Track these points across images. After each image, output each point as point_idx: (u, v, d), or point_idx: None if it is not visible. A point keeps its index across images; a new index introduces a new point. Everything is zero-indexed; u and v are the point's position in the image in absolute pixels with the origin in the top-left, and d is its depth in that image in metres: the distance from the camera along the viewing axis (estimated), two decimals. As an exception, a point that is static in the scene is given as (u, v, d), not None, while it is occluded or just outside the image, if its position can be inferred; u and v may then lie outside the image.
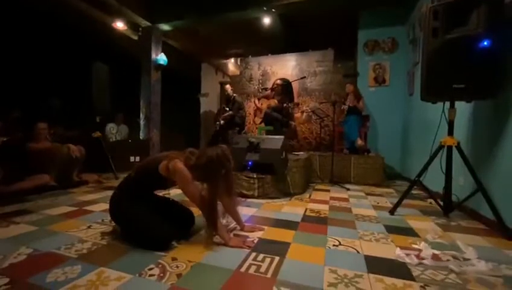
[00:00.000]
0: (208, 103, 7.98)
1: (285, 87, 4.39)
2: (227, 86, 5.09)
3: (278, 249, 1.45)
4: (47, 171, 2.82)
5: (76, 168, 3.29)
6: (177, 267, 1.23)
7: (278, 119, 4.12)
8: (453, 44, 1.82)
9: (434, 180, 2.40)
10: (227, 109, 4.82)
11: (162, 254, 1.35)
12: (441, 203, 2.20)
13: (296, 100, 5.22)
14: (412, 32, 4.04)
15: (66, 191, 2.84)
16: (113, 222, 1.66)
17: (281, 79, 4.55)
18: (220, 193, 1.54)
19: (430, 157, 2.13)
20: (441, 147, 2.09)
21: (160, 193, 1.79)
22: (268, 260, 1.32)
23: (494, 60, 1.76)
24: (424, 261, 1.32)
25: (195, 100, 7.67)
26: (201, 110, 7.93)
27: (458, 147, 2.02)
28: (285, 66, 5.42)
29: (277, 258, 1.33)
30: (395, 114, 4.56)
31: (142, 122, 5.15)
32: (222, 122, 4.75)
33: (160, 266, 1.23)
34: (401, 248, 1.47)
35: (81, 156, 3.26)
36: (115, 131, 4.89)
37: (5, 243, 1.46)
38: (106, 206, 1.62)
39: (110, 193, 1.63)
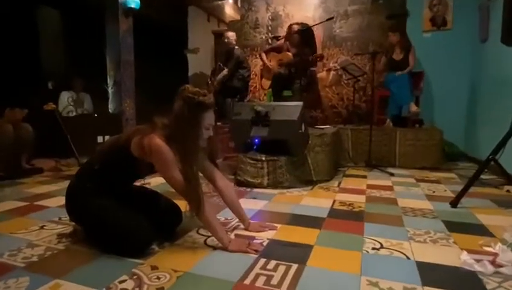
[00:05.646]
0: (199, 62, 7.88)
1: (304, 35, 4.22)
2: (230, 33, 4.94)
3: (296, 253, 1.45)
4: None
5: (26, 153, 3.33)
6: (158, 278, 1.23)
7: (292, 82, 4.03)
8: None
9: (515, 160, 2.35)
10: (224, 67, 4.73)
11: (139, 261, 1.36)
12: (524, 191, 2.17)
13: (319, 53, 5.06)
14: None
15: (13, 181, 2.90)
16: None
17: (297, 23, 4.39)
18: (205, 167, 1.61)
19: (511, 128, 2.07)
20: (527, 113, 2.02)
21: (137, 183, 1.78)
22: (282, 268, 1.32)
23: None
24: (502, 270, 1.29)
25: (182, 58, 7.58)
26: (190, 72, 7.85)
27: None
28: (304, 6, 5.25)
29: (295, 266, 1.33)
30: (460, 70, 4.49)
31: (110, 89, 5.14)
32: (216, 86, 4.66)
33: (135, 277, 1.24)
34: (469, 251, 1.46)
35: (29, 137, 3.27)
36: (72, 101, 4.87)
37: None
38: (64, 200, 1.63)
39: (69, 183, 1.65)
